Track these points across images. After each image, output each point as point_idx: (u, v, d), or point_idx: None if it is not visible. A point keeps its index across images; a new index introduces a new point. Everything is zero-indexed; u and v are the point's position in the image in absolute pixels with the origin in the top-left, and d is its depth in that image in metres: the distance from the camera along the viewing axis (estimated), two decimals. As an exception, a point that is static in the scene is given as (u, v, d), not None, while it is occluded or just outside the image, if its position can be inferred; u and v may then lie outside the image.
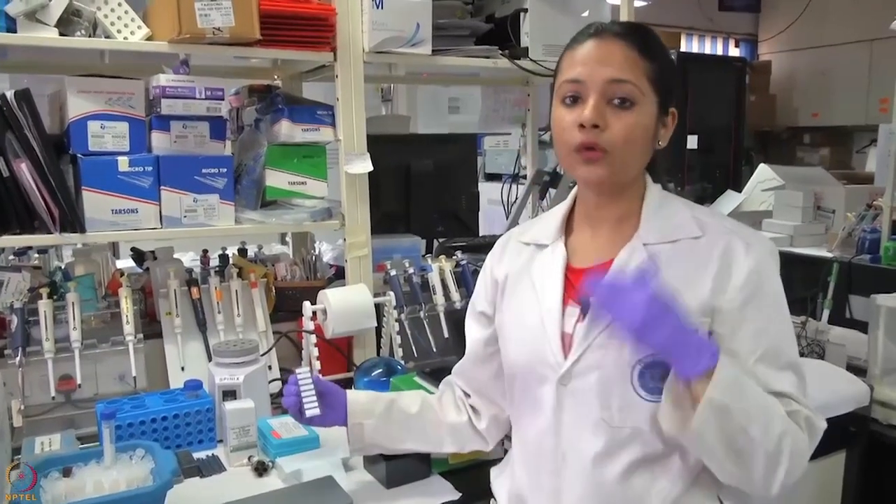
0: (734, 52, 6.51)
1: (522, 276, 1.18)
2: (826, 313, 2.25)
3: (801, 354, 2.11)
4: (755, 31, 6.35)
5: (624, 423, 1.05)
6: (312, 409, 1.20)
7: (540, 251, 1.18)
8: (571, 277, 1.13)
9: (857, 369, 2.00)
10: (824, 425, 1.06)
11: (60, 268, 1.93)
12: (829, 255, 3.08)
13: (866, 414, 1.87)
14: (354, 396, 1.28)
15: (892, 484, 1.90)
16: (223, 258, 2.10)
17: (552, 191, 2.72)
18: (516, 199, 3.04)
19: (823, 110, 5.81)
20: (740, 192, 4.24)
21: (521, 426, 1.19)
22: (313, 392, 1.21)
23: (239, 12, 1.58)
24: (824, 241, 3.45)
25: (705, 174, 4.78)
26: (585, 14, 2.14)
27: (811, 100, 5.91)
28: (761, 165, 4.26)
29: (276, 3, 1.65)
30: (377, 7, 1.78)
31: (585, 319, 1.07)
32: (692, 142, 4.68)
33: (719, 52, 6.41)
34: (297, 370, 1.23)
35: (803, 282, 2.53)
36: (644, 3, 2.06)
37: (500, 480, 1.24)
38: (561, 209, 1.22)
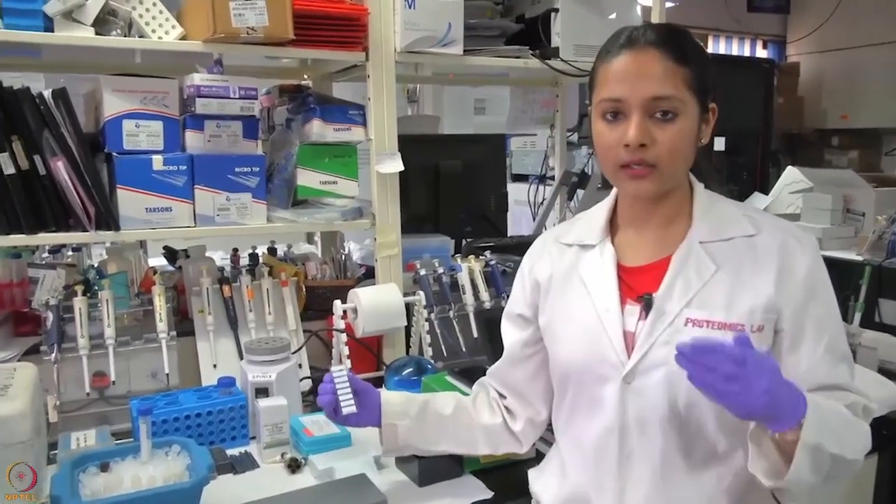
0: (762, 53, 6.45)
1: (570, 276, 1.17)
2: (858, 317, 2.21)
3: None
4: (784, 33, 6.28)
5: (689, 419, 1.05)
6: (349, 406, 1.19)
7: (586, 252, 1.17)
8: (624, 276, 1.12)
9: (889, 373, 1.97)
10: (876, 407, 1.09)
11: (94, 266, 1.95)
12: (859, 258, 3.04)
13: (898, 417, 1.84)
14: (388, 397, 1.27)
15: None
16: (253, 257, 2.12)
17: (580, 192, 2.71)
18: (543, 199, 3.04)
19: (852, 112, 5.73)
20: (767, 194, 4.19)
21: (574, 427, 1.17)
22: (349, 390, 1.20)
23: (273, 12, 1.59)
24: (854, 244, 3.40)
25: (732, 176, 4.74)
26: (613, 16, 2.12)
27: (840, 102, 5.83)
28: (789, 167, 4.21)
29: (309, 4, 1.66)
30: (409, 7, 1.78)
31: (648, 317, 1.07)
32: (719, 143, 4.63)
33: (747, 53, 6.35)
34: (333, 368, 1.23)
35: (838, 285, 2.49)
36: (672, 5, 2.04)
37: (543, 483, 1.22)
38: (603, 210, 1.21)
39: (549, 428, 1.28)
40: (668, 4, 2.27)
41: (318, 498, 1.24)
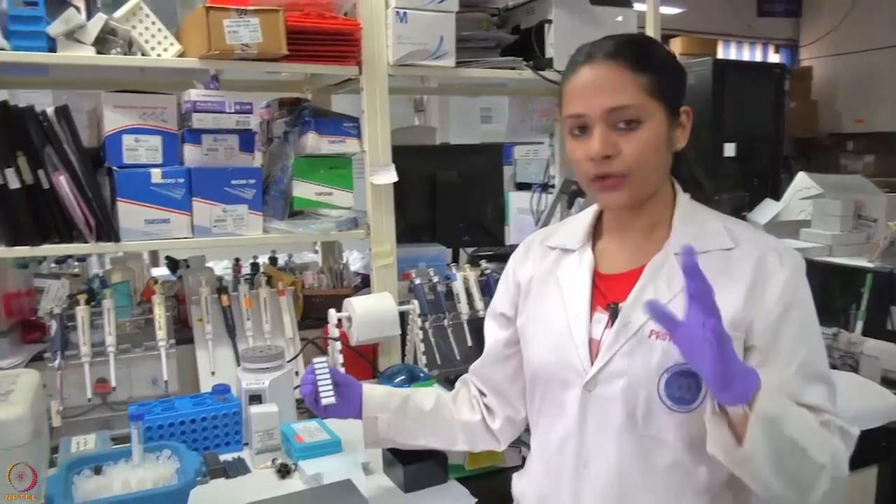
0: (774, 58, 6.41)
1: (548, 280, 1.19)
2: (860, 325, 2.20)
3: (833, 367, 2.10)
4: (796, 37, 6.25)
5: (647, 431, 1.05)
6: (328, 397, 1.22)
7: (566, 256, 1.19)
8: (599, 283, 1.14)
9: (894, 383, 1.96)
10: (857, 432, 1.06)
11: (98, 275, 2.01)
12: (870, 264, 3.02)
13: (898, 428, 1.83)
14: (370, 390, 1.30)
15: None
16: (254, 266, 2.17)
17: (580, 200, 2.73)
18: (545, 208, 3.06)
19: (868, 116, 5.69)
20: (779, 200, 4.17)
21: (540, 429, 1.20)
22: (329, 381, 1.23)
23: (266, 29, 1.64)
24: (865, 250, 3.38)
25: (743, 182, 4.71)
26: (610, 23, 2.15)
27: (855, 105, 5.78)
28: (800, 174, 4.19)
29: (302, 20, 1.71)
30: (401, 21, 1.82)
31: (614, 326, 1.08)
32: (729, 150, 4.62)
33: (758, 58, 6.33)
34: (315, 360, 1.26)
35: (841, 292, 2.48)
36: (679, 11, 2.06)
37: (521, 485, 1.25)
38: (588, 215, 1.23)
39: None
40: (675, 11, 2.28)
41: (304, 502, 1.27)
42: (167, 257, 2.08)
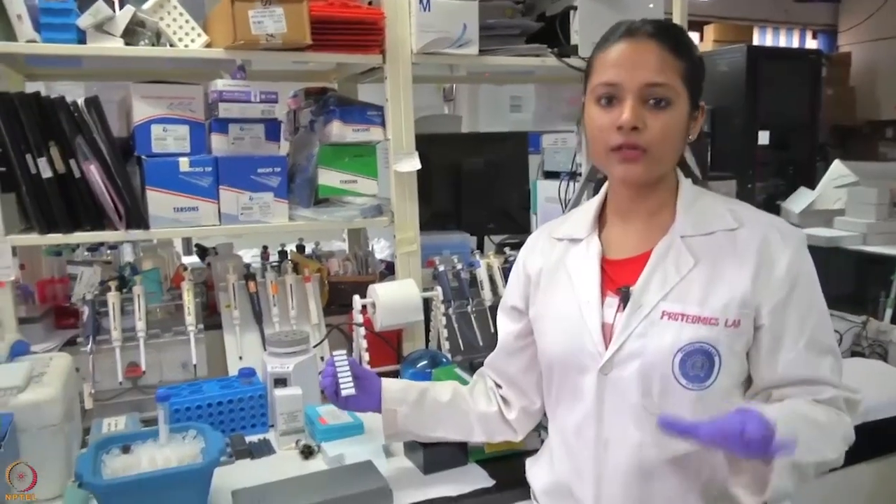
0: (811, 44, 6.28)
1: (558, 270, 1.21)
2: (889, 313, 2.17)
3: (861, 355, 2.08)
4: (834, 22, 6.11)
5: (664, 410, 1.06)
6: (348, 389, 1.25)
7: (574, 245, 1.21)
8: (608, 269, 1.15)
9: (924, 373, 1.93)
10: (861, 398, 1.11)
11: (129, 263, 2.06)
12: (902, 252, 2.95)
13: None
14: (388, 384, 1.33)
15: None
16: (282, 254, 2.20)
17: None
18: (573, 196, 3.05)
19: (908, 103, 5.55)
20: (814, 189, 4.10)
21: (559, 415, 1.21)
22: (349, 374, 1.26)
23: (291, 19, 1.66)
24: (902, 238, 3.31)
25: (779, 171, 4.63)
26: (636, 10, 2.12)
27: (894, 92, 5.64)
28: (835, 162, 4.10)
29: (326, 9, 1.72)
30: (424, 10, 1.83)
31: (626, 309, 1.09)
32: (763, 137, 4.54)
33: (795, 44, 6.19)
34: (335, 353, 1.28)
35: (872, 281, 2.44)
36: None
37: (535, 470, 1.26)
38: (593, 204, 1.24)
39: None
40: None
41: (325, 482, 1.29)
42: (197, 245, 2.12)
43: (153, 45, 1.66)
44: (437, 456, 1.38)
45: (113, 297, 1.69)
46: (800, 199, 3.95)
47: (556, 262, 1.22)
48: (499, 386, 1.35)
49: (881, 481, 1.82)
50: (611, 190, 1.21)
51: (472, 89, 4.12)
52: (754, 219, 1.12)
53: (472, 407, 1.33)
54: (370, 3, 1.86)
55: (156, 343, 1.75)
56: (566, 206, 3.12)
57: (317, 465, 1.42)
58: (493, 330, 1.96)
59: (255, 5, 1.63)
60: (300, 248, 2.24)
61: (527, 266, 1.28)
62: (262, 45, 1.66)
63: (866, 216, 3.45)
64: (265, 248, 2.22)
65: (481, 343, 1.94)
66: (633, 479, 1.09)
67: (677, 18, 2.22)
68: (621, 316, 1.10)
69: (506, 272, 2.04)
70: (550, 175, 3.52)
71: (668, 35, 1.09)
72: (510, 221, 2.40)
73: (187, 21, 1.70)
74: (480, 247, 2.25)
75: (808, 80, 4.71)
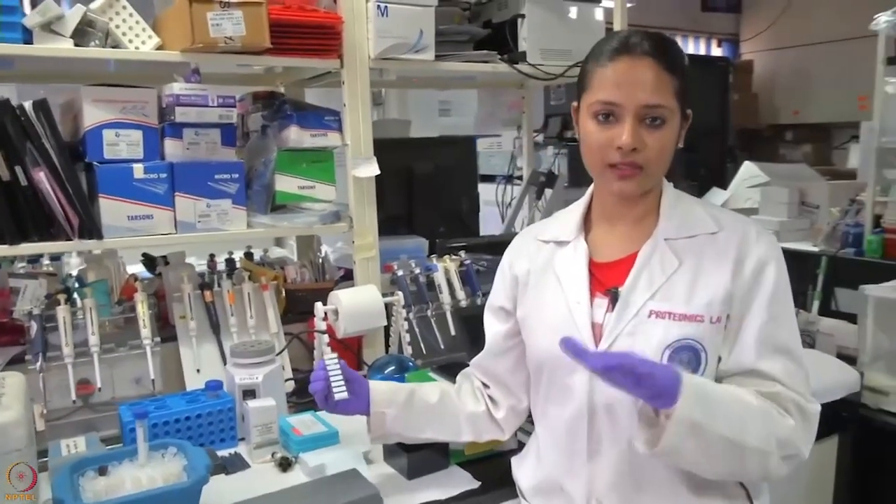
0: (717, 51, 6.62)
1: (546, 272, 1.23)
2: (816, 305, 2.32)
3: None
4: (737, 31, 6.46)
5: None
6: (341, 393, 1.23)
7: (561, 248, 1.24)
8: (595, 271, 1.19)
9: (847, 358, 2.07)
10: (817, 409, 1.12)
11: (71, 274, 1.96)
12: (815, 249, 3.16)
13: (856, 400, 1.94)
14: (376, 386, 1.32)
15: (881, 465, 1.97)
16: (230, 262, 2.14)
17: (548, 191, 2.79)
18: (511, 199, 3.11)
19: (804, 108, 5.93)
20: (726, 189, 4.32)
21: (548, 414, 1.23)
22: (342, 377, 1.25)
23: (250, 22, 1.62)
24: (809, 235, 3.53)
25: (690, 173, 4.86)
26: (582, 20, 2.20)
27: (792, 98, 6.02)
28: (746, 163, 4.34)
29: (284, 13, 1.70)
30: (382, 15, 1.82)
31: (615, 309, 1.13)
32: (676, 141, 4.75)
33: (702, 52, 6.51)
34: (326, 356, 1.27)
35: (799, 276, 2.60)
36: (630, 5, 2.10)
37: (523, 469, 1.29)
38: (579, 207, 1.27)
39: (530, 417, 1.34)
40: (627, 5, 2.34)
41: (314, 493, 1.27)
42: (143, 254, 2.04)
43: (102, 46, 1.58)
44: (421, 460, 1.38)
45: (63, 312, 1.60)
46: (713, 199, 4.15)
47: (543, 265, 1.24)
48: (486, 386, 1.36)
49: (817, 467, 1.95)
50: (597, 195, 1.25)
51: (400, 94, 4.12)
52: (734, 221, 1.18)
53: (461, 407, 1.35)
54: (326, 9, 1.84)
55: (108, 358, 1.67)
56: (504, 209, 3.19)
57: (297, 477, 1.39)
58: (453, 333, 1.98)
59: (214, 7, 1.58)
60: (248, 256, 2.18)
61: (513, 267, 1.30)
62: (221, 48, 1.62)
63: (779, 214, 3.68)
64: (212, 256, 2.15)
65: (443, 346, 1.95)
66: (626, 474, 1.13)
67: (617, 26, 2.30)
68: (610, 316, 1.14)
69: (462, 276, 2.06)
70: (485, 178, 3.59)
71: (663, 52, 1.11)
72: (461, 225, 2.43)
73: (137, 22, 1.63)
74: (433, 251, 2.25)
75: (717, 85, 4.97)
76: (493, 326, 1.33)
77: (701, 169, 4.99)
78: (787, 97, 6.05)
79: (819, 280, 2.40)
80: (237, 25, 1.61)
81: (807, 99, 5.90)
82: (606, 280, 1.17)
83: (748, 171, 4.29)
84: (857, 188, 3.68)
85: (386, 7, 1.82)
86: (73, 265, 2.14)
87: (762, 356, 1.11)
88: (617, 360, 0.99)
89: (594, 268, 1.19)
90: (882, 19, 3.20)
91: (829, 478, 1.97)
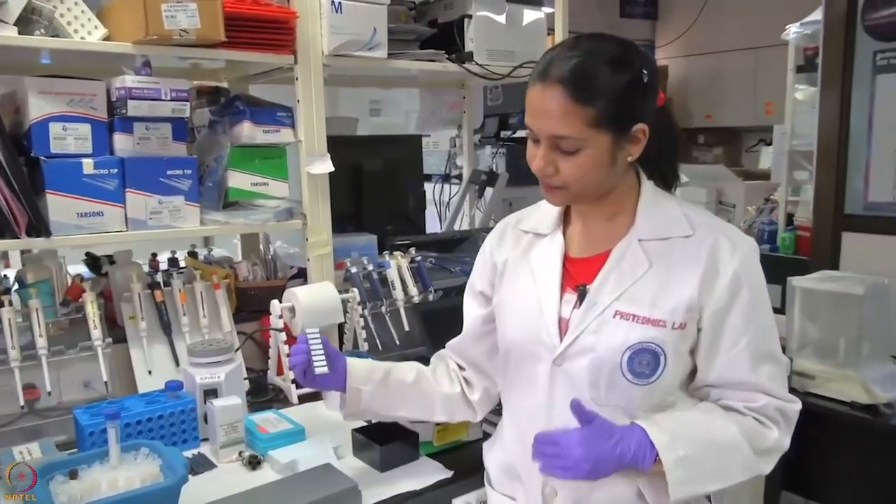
0: (632, 57, 6.84)
1: (522, 262, 1.26)
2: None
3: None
4: (652, 38, 6.70)
5: (609, 401, 1.14)
6: (321, 367, 1.23)
7: (539, 240, 1.26)
8: (569, 266, 1.21)
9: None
10: (797, 408, 1.18)
11: (5, 275, 1.87)
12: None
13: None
14: (354, 362, 1.32)
15: (810, 442, 2.10)
16: (173, 261, 2.09)
17: (489, 189, 2.84)
18: (449, 198, 3.14)
19: (715, 112, 6.20)
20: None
21: (512, 400, 1.27)
22: (323, 351, 1.24)
23: (204, 14, 1.59)
24: (728, 233, 3.71)
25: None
26: (527, 21, 2.26)
27: (704, 103, 6.28)
28: (665, 164, 4.51)
29: (239, 6, 1.68)
30: (336, 11, 1.82)
31: (581, 306, 1.16)
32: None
33: (619, 57, 6.71)
34: (308, 329, 1.26)
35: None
36: (551, 10, 2.16)
37: (492, 453, 1.31)
38: None
39: (499, 405, 1.37)
40: (548, 10, 2.40)
41: (293, 488, 1.26)
42: (87, 253, 1.96)
43: (48, 35, 1.52)
44: (393, 453, 1.40)
45: (8, 313, 1.53)
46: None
47: (521, 255, 1.27)
48: (462, 368, 1.38)
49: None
50: None
51: (331, 92, 4.08)
52: (706, 224, 1.18)
53: (436, 388, 1.36)
54: (279, 4, 1.82)
55: (55, 361, 1.61)
56: (441, 209, 3.22)
57: (267, 474, 1.38)
58: (407, 328, 2.00)
59: (168, -1, 1.55)
60: (192, 254, 2.13)
61: (494, 255, 1.31)
62: (175, 40, 1.59)
63: (699, 213, 3.85)
64: (154, 255, 2.09)
65: (398, 342, 1.97)
66: None
67: (559, 30, 2.38)
68: (577, 312, 1.16)
69: (414, 272, 2.08)
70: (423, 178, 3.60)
71: (575, 82, 1.06)
72: (407, 222, 2.44)
73: (83, 11, 1.58)
74: (382, 248, 2.26)
75: (637, 90, 5.15)
76: (473, 311, 1.35)
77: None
78: (700, 102, 6.31)
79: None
80: (192, 18, 1.58)
81: (718, 104, 6.18)
82: (578, 276, 1.20)
83: (667, 171, 4.46)
84: (770, 188, 3.91)
85: (340, 4, 1.82)
86: (13, 265, 2.03)
87: (747, 369, 1.13)
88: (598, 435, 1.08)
89: (568, 262, 1.22)
90: (792, 30, 3.41)
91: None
